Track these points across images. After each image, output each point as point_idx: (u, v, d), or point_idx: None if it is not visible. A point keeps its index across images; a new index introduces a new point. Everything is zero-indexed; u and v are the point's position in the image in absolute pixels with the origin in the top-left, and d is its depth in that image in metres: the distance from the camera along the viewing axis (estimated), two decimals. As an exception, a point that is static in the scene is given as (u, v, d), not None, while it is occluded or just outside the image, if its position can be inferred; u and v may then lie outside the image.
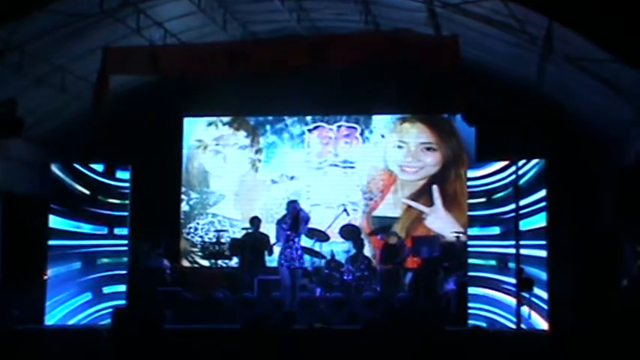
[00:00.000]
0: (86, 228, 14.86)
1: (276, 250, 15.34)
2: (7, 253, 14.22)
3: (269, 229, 16.07)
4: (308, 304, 15.07)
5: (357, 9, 14.96)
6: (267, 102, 17.86)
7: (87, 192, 14.93)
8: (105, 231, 14.95)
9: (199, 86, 17.28)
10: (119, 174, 15.05)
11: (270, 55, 13.62)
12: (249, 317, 13.14)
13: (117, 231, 14.97)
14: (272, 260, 16.08)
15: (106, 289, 14.87)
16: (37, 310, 14.49)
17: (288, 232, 14.60)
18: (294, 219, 14.63)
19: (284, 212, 14.93)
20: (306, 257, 15.78)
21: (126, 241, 14.97)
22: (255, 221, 16.16)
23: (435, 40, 13.82)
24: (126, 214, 15.00)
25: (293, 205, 14.81)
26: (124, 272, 14.93)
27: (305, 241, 15.64)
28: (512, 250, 12.76)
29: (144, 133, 17.35)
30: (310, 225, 15.40)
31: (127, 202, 14.99)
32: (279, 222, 14.86)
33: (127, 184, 15.02)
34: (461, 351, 11.10)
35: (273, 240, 15.92)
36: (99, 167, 15.03)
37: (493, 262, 13.97)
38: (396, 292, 15.30)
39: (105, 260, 14.96)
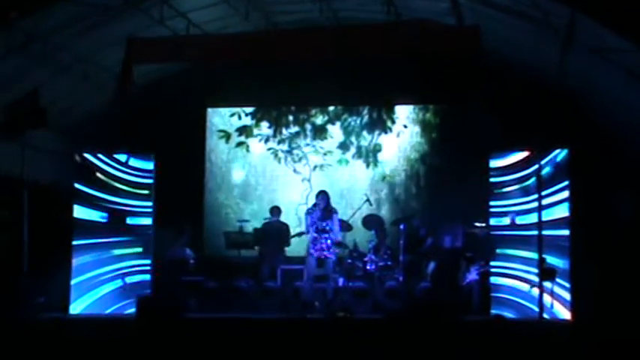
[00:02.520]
0: (111, 218, 14.98)
1: (300, 239, 15.50)
2: (33, 243, 14.33)
3: (291, 219, 16.14)
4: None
5: (380, -1, 14.97)
6: (289, 93, 17.92)
7: (111, 182, 15.03)
8: (129, 220, 15.05)
9: (222, 77, 17.36)
10: (143, 164, 15.14)
11: (292, 44, 13.71)
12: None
13: (140, 221, 15.08)
14: (292, 250, 16.16)
15: (131, 279, 14.98)
16: (62, 299, 14.62)
17: (319, 222, 14.74)
18: (325, 209, 14.78)
19: (313, 202, 15.07)
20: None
21: (149, 231, 15.07)
22: (275, 211, 16.22)
23: (456, 30, 13.81)
24: (149, 204, 15.10)
25: (322, 196, 14.95)
26: (149, 262, 15.03)
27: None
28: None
29: (167, 124, 17.42)
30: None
31: (150, 192, 15.08)
32: (309, 212, 15.00)
33: (150, 174, 15.11)
34: (482, 340, 11.13)
35: (292, 230, 16.06)
36: (123, 157, 15.13)
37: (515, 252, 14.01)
38: (419, 282, 15.33)
39: (129, 250, 15.06)
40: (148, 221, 15.10)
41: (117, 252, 15.02)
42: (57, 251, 14.91)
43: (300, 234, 16.03)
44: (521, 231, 13.88)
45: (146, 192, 15.11)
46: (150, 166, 15.14)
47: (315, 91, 17.69)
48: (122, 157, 15.15)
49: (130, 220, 15.07)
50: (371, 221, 16.42)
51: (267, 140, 18.44)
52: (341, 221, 15.80)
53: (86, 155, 14.98)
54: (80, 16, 13.97)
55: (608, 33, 11.93)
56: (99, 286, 14.84)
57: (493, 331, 11.44)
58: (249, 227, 16.74)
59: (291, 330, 12.26)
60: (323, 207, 14.90)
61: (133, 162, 15.15)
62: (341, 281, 15.43)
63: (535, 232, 12.96)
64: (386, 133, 18.06)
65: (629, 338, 10.88)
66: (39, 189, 15.09)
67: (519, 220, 13.99)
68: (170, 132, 17.33)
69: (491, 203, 14.47)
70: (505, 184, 14.29)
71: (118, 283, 14.96)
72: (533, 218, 13.37)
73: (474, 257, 14.97)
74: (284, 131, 18.41)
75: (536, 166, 13.30)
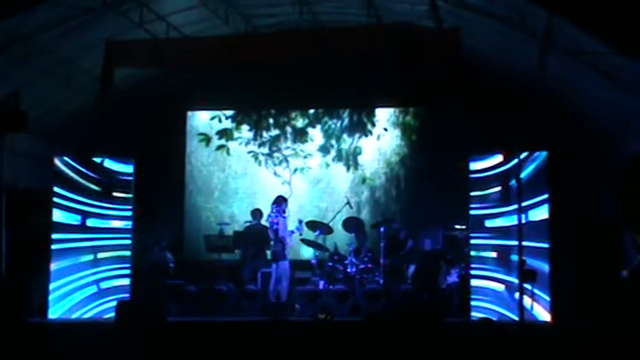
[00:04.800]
0: (90, 222, 14.92)
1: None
2: (12, 247, 14.24)
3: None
4: (312, 296, 15.16)
5: (359, 2, 14.97)
6: (270, 96, 17.94)
7: (91, 185, 14.96)
8: (108, 224, 15.00)
9: (203, 80, 17.36)
10: (123, 167, 15.08)
11: (272, 47, 13.71)
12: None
13: (120, 224, 15.02)
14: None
15: (110, 283, 14.92)
16: (41, 303, 14.55)
17: (275, 228, 14.69)
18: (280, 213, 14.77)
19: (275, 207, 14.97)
20: (310, 250, 15.94)
21: (129, 235, 15.02)
22: (256, 213, 16.18)
23: (436, 32, 13.84)
24: (129, 207, 15.04)
25: (278, 202, 14.90)
26: (128, 266, 14.98)
27: (308, 234, 15.80)
28: (515, 242, 12.85)
29: (148, 127, 17.40)
30: (308, 219, 15.62)
31: (130, 195, 15.03)
32: (268, 216, 14.93)
33: (130, 178, 15.06)
34: (464, 343, 11.15)
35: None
36: (103, 161, 15.06)
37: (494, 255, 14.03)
38: (399, 284, 15.35)
39: (109, 254, 15.00)
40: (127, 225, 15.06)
41: (96, 256, 14.96)
42: (35, 255, 14.84)
43: None
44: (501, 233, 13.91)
45: (126, 195, 15.05)
46: (130, 169, 15.08)
47: (296, 94, 17.73)
48: (102, 160, 15.10)
49: (108, 224, 15.01)
50: (351, 224, 16.45)
51: (247, 143, 18.46)
52: (320, 223, 15.88)
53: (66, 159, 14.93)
54: (62, 18, 13.93)
55: (586, 36, 11.99)
56: (78, 290, 14.77)
57: (480, 333, 11.45)
58: (229, 230, 16.71)
59: (271, 332, 12.27)
60: (281, 213, 14.81)
61: (112, 165, 15.09)
62: (322, 284, 15.45)
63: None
64: (366, 136, 18.10)
65: (608, 339, 10.93)
66: (17, 193, 15.01)
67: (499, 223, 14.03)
68: (150, 135, 17.32)
69: (472, 205, 14.48)
70: (485, 186, 14.29)
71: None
72: (513, 221, 13.39)
73: (454, 259, 15.01)
74: (264, 134, 18.43)
75: (516, 169, 13.31)
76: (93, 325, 13.92)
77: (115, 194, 15.02)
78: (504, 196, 13.89)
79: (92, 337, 12.42)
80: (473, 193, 14.30)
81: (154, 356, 11.23)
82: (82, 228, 14.85)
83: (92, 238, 14.90)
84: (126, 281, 14.90)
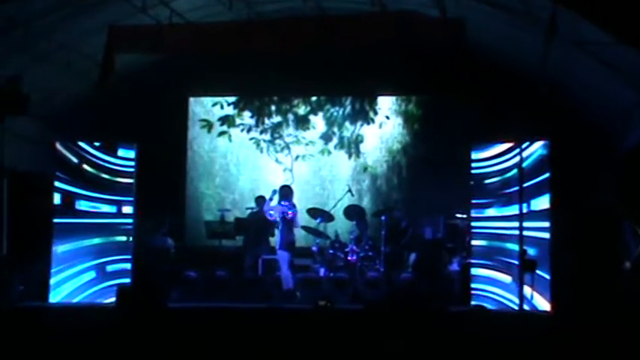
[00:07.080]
0: (92, 207, 14.92)
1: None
2: (13, 231, 14.27)
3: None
4: (312, 283, 15.17)
5: (364, -10, 14.94)
6: (272, 82, 17.90)
7: (92, 170, 14.97)
8: (111, 209, 15.01)
9: (205, 66, 17.34)
10: (125, 153, 15.08)
11: (276, 35, 13.68)
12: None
13: (123, 210, 15.03)
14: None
15: (110, 267, 14.93)
16: (42, 287, 14.57)
17: (283, 215, 14.70)
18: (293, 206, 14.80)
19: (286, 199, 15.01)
20: (311, 238, 15.93)
21: (131, 220, 15.03)
22: (259, 201, 16.18)
23: (440, 22, 13.82)
24: (131, 193, 15.04)
25: (284, 190, 14.93)
26: (130, 251, 14.99)
27: (309, 222, 15.79)
28: (516, 232, 12.85)
29: (149, 113, 17.38)
30: (309, 206, 15.60)
31: (132, 181, 15.03)
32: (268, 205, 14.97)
33: (132, 163, 15.06)
34: (463, 331, 11.15)
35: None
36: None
37: (496, 244, 14.04)
38: (400, 273, 15.36)
39: (110, 239, 15.01)
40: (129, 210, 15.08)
41: (97, 241, 14.97)
42: (37, 239, 14.85)
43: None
44: (502, 222, 13.90)
45: (128, 180, 15.05)
46: (131, 154, 15.07)
47: (298, 82, 17.69)
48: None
49: (110, 209, 15.02)
50: (352, 212, 16.43)
51: (249, 130, 18.44)
52: (321, 211, 15.89)
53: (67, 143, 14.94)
54: (62, 3, 13.89)
55: (589, 26, 11.96)
56: (79, 274, 14.79)
57: (474, 320, 11.47)
58: (230, 217, 16.72)
59: (272, 319, 12.27)
60: (293, 204, 14.93)
61: (114, 151, 15.09)
62: (322, 271, 15.47)
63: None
64: (368, 124, 18.08)
65: (608, 330, 10.93)
66: (19, 176, 15.03)
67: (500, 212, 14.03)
68: (152, 121, 17.30)
69: (474, 194, 14.49)
70: (486, 175, 14.29)
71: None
72: (514, 210, 13.40)
73: (455, 248, 15.02)
74: (266, 121, 18.41)
75: (518, 158, 13.32)
76: (93, 310, 13.93)
77: (117, 179, 15.04)
78: (505, 186, 13.93)
79: (92, 321, 12.41)
80: (473, 182, 14.33)
81: (154, 342, 11.22)
82: (84, 212, 14.87)
83: (93, 223, 14.91)
84: (127, 266, 14.91)
